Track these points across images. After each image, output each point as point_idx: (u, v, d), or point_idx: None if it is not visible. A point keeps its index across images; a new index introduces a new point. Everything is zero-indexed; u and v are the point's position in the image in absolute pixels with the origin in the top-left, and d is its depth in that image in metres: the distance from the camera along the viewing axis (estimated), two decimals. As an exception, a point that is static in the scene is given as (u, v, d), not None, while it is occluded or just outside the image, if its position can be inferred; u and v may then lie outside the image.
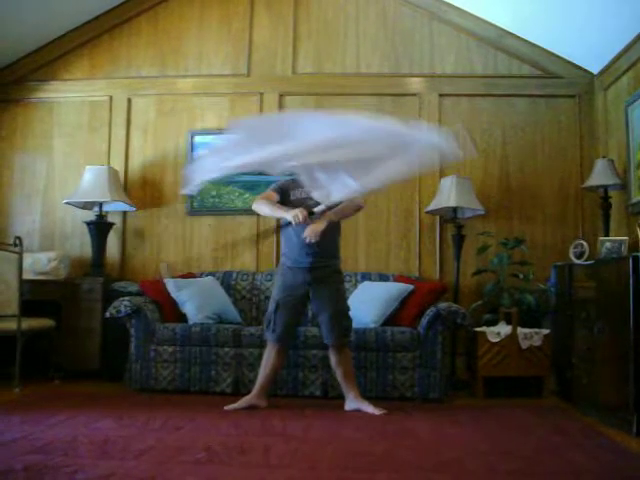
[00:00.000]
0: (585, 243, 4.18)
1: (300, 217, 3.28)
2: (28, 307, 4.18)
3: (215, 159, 3.30)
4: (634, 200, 4.11)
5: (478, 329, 4.15)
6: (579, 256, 4.15)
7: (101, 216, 4.77)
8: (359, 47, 5.07)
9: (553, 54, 4.88)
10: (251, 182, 4.86)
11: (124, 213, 5.02)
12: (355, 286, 4.47)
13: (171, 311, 4.27)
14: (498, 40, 4.93)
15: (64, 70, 5.22)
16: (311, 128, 3.07)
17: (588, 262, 3.90)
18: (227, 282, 4.61)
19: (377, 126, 3.15)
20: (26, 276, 4.28)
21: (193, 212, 4.99)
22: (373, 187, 3.26)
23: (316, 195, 3.25)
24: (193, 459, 2.41)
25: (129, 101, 5.14)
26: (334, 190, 3.15)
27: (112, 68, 5.20)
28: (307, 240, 3.34)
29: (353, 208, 3.54)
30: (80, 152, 5.13)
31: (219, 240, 4.95)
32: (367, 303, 4.15)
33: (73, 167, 5.08)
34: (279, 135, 3.07)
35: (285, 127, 3.17)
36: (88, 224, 4.74)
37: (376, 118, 3.32)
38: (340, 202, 3.39)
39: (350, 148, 3.00)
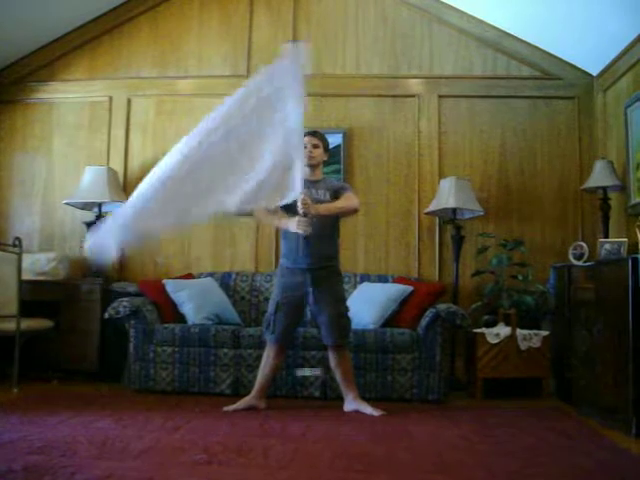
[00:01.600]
0: (584, 244, 4.19)
1: (303, 227, 3.28)
2: (27, 307, 4.17)
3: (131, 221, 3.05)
4: (633, 202, 4.11)
5: (477, 330, 4.15)
6: (578, 257, 4.15)
7: (100, 217, 4.77)
8: (359, 48, 5.07)
9: (552, 55, 4.89)
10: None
11: (123, 214, 5.01)
12: (354, 287, 4.47)
13: (170, 312, 4.27)
14: (497, 41, 4.94)
15: (64, 71, 5.22)
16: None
17: (587, 264, 3.90)
18: (226, 283, 4.61)
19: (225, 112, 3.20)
20: (25, 277, 4.28)
21: (192, 213, 4.98)
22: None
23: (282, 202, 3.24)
24: (192, 460, 2.41)
25: (129, 102, 5.14)
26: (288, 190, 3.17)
27: (112, 69, 5.20)
28: (301, 232, 3.31)
29: (349, 207, 3.53)
30: (80, 153, 5.13)
31: (218, 241, 4.95)
32: (366, 304, 4.15)
33: (73, 168, 5.08)
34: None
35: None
36: (87, 225, 4.74)
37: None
38: (332, 197, 3.47)
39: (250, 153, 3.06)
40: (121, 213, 3.14)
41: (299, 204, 3.27)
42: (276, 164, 3.13)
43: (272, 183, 3.14)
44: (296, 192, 3.21)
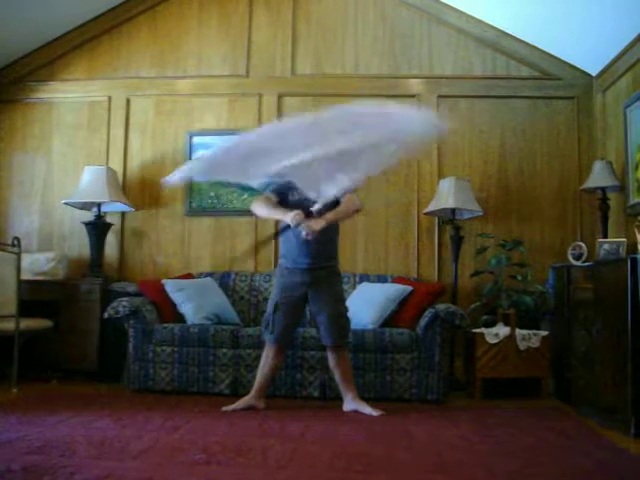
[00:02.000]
0: (583, 245, 4.19)
1: (298, 219, 3.28)
2: (26, 307, 4.17)
3: (207, 164, 3.30)
4: (632, 202, 4.11)
5: (476, 330, 4.15)
6: (577, 258, 4.15)
7: (99, 216, 4.77)
8: (358, 48, 5.07)
9: (552, 56, 4.89)
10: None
11: (122, 214, 5.01)
12: (354, 287, 4.47)
13: (169, 312, 4.27)
14: (497, 42, 4.94)
15: (63, 70, 5.22)
16: (295, 132, 3.08)
17: (586, 264, 3.91)
18: (225, 283, 4.61)
19: (359, 112, 3.08)
20: (24, 276, 4.28)
21: (192, 213, 4.99)
22: (364, 178, 3.21)
23: (310, 194, 3.24)
24: (191, 460, 2.40)
25: (128, 101, 5.14)
26: (326, 187, 3.15)
27: (111, 68, 5.20)
28: (304, 234, 3.32)
29: (351, 210, 3.53)
30: (79, 152, 5.13)
31: (218, 241, 4.96)
32: (365, 304, 4.15)
33: (72, 167, 5.08)
34: (266, 147, 3.08)
35: (271, 138, 3.15)
36: (86, 224, 4.74)
37: (358, 103, 3.19)
38: (334, 199, 3.37)
39: (335, 141, 3.00)
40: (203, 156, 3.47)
41: (304, 228, 3.28)
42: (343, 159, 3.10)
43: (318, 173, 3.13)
44: (320, 200, 3.22)
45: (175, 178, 3.28)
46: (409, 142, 3.11)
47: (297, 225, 3.29)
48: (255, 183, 3.41)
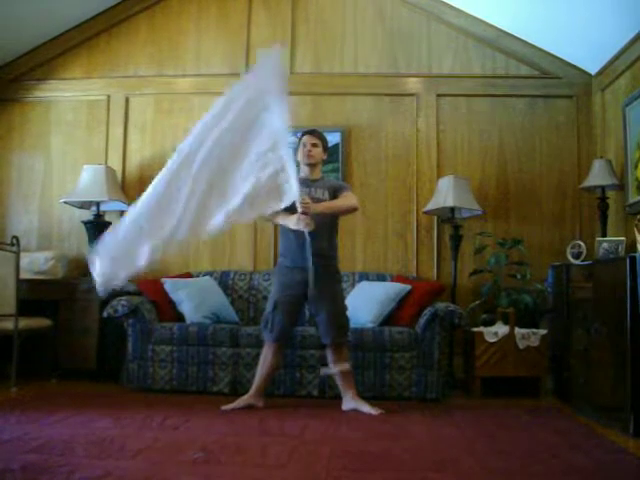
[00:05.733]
0: (582, 243, 4.19)
1: (303, 224, 3.29)
2: (25, 306, 4.17)
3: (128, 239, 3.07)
4: (632, 200, 4.11)
5: (475, 329, 4.16)
6: (576, 256, 4.15)
7: (99, 215, 4.76)
8: (357, 47, 5.07)
9: (551, 54, 4.89)
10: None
11: (122, 212, 5.00)
12: (353, 286, 4.47)
13: (168, 311, 4.27)
14: (496, 40, 4.94)
15: (62, 69, 5.21)
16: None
17: (585, 262, 3.91)
18: (224, 282, 4.61)
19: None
20: (23, 275, 4.28)
21: (191, 212, 4.98)
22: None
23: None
24: (190, 459, 2.41)
25: (127, 100, 5.13)
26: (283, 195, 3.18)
27: (110, 67, 5.19)
28: (302, 226, 3.31)
29: (348, 205, 3.54)
30: (78, 151, 5.12)
31: (217, 240, 4.95)
32: (365, 303, 4.15)
33: (71, 166, 5.07)
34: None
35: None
36: (86, 223, 4.73)
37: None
38: (331, 196, 3.49)
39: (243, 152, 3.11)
40: (110, 240, 3.13)
41: (298, 204, 3.27)
42: (265, 169, 3.13)
43: (265, 190, 3.14)
44: (294, 193, 3.21)
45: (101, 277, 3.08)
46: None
47: (305, 226, 3.29)
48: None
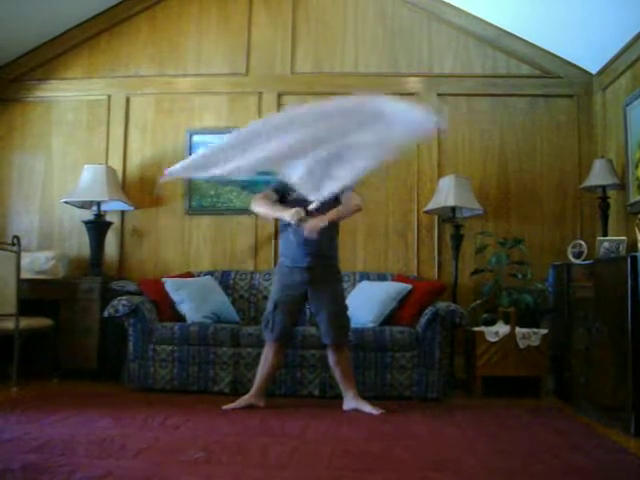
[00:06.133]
0: (583, 243, 4.19)
1: (297, 217, 3.28)
2: (26, 306, 4.17)
3: (206, 161, 3.29)
4: (632, 200, 4.11)
5: (476, 329, 4.16)
6: (577, 256, 4.15)
7: (99, 215, 4.76)
8: (358, 47, 5.07)
9: (552, 54, 4.88)
10: (249, 181, 4.85)
11: (122, 212, 5.01)
12: (353, 286, 4.47)
13: (169, 310, 4.26)
14: (497, 40, 4.93)
15: (62, 69, 5.21)
16: (293, 126, 3.11)
17: (586, 262, 3.90)
18: (225, 282, 4.61)
19: (353, 106, 3.16)
20: (24, 275, 4.28)
21: (191, 211, 4.99)
22: (361, 173, 3.19)
23: (308, 192, 3.23)
24: (191, 459, 2.41)
25: (127, 100, 5.13)
26: (324, 185, 3.16)
27: (110, 67, 5.19)
28: (306, 233, 3.31)
29: (353, 208, 3.53)
30: (78, 151, 5.12)
31: (218, 240, 4.96)
32: (365, 303, 4.15)
33: (71, 166, 5.07)
34: (265, 138, 3.10)
35: (270, 131, 3.16)
36: (86, 223, 4.74)
37: (351, 97, 3.29)
38: (333, 196, 3.37)
39: (332, 137, 3.05)
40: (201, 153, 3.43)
41: (313, 206, 3.26)
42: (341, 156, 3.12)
43: (319, 172, 3.15)
44: (320, 196, 3.20)
45: (175, 170, 3.36)
46: (404, 136, 3.13)
47: (298, 222, 3.28)
48: (253, 172, 3.50)
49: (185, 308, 4.23)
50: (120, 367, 4.25)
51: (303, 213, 3.28)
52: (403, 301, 4.19)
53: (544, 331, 4.11)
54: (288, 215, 3.32)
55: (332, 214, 3.40)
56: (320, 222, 3.30)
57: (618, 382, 3.17)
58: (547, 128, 4.88)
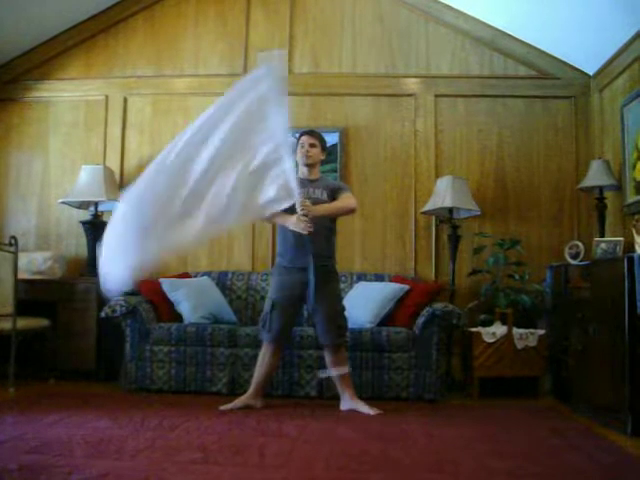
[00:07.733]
0: (580, 244, 4.19)
1: (302, 226, 3.29)
2: (23, 307, 4.16)
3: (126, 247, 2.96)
4: (629, 201, 4.12)
5: (474, 329, 4.16)
6: (574, 257, 4.15)
7: (97, 216, 4.76)
8: (355, 47, 5.07)
9: (549, 55, 4.89)
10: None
11: (120, 213, 5.00)
12: (351, 286, 4.47)
13: (166, 311, 4.26)
14: (494, 41, 4.94)
15: (60, 69, 5.20)
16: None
17: (583, 263, 3.91)
18: (222, 282, 4.61)
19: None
20: (21, 276, 4.27)
21: (189, 212, 4.98)
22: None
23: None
24: (188, 459, 2.41)
25: (125, 100, 5.13)
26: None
27: (108, 67, 5.19)
28: (302, 228, 3.31)
29: (347, 207, 3.54)
30: (76, 151, 5.12)
31: (215, 241, 4.95)
32: (363, 303, 4.15)
33: (69, 166, 5.07)
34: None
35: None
36: (84, 224, 4.73)
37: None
38: (329, 198, 3.51)
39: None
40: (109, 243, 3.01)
41: (298, 206, 3.27)
42: (268, 171, 3.14)
43: (265, 191, 3.15)
44: (293, 196, 3.22)
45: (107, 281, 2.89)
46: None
47: (304, 228, 3.30)
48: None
49: (182, 308, 4.23)
50: (117, 368, 4.25)
51: (307, 221, 3.30)
52: (400, 302, 4.19)
53: (541, 332, 4.12)
54: (291, 223, 3.35)
55: (326, 205, 3.47)
56: (315, 210, 3.35)
57: (615, 382, 3.18)
58: (544, 129, 4.89)
